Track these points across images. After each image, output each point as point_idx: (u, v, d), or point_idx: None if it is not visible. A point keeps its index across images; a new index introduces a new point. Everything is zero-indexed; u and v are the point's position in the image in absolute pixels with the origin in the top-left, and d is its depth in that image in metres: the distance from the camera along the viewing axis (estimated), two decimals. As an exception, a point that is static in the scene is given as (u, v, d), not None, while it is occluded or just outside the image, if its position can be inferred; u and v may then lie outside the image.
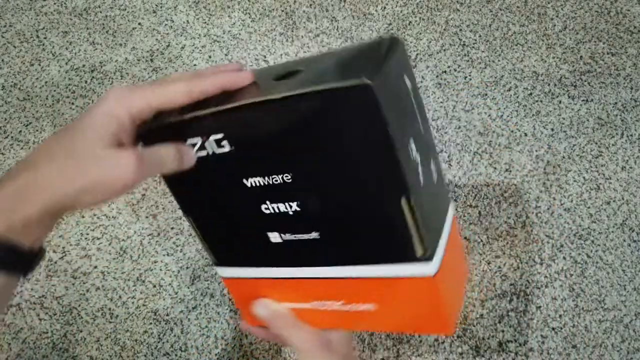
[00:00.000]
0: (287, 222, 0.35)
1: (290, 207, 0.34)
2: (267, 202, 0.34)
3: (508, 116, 0.60)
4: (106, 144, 0.30)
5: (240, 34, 0.66)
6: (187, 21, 0.66)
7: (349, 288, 0.36)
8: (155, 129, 0.33)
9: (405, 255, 0.33)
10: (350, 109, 0.28)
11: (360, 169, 0.31)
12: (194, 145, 0.33)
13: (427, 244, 0.32)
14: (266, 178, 0.33)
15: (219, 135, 0.32)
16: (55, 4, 0.66)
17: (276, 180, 0.33)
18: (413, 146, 0.31)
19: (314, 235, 0.35)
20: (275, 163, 0.32)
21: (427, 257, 0.33)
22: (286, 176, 0.32)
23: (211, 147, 0.33)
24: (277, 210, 0.34)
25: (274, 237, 0.36)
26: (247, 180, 0.34)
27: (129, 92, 0.32)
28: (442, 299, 0.34)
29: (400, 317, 0.37)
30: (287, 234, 0.35)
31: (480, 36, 0.63)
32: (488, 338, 0.55)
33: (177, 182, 0.36)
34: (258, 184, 0.34)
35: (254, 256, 0.38)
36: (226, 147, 0.32)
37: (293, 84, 0.31)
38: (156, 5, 0.66)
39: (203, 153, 0.33)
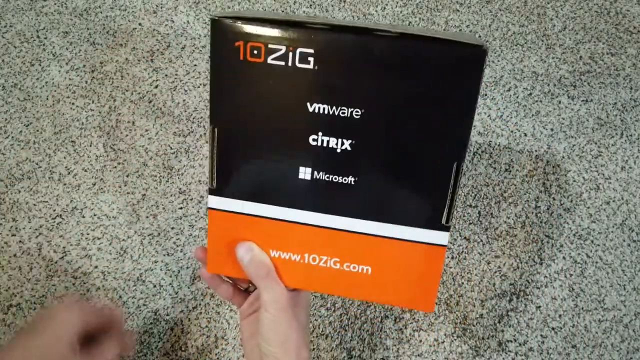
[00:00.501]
0: (329, 160, 0.34)
1: (343, 144, 0.33)
2: (320, 134, 0.34)
3: (508, 116, 0.60)
4: (64, 356, 0.39)
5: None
6: (188, 21, 0.66)
7: (353, 245, 0.36)
8: (239, 23, 0.32)
9: (432, 220, 0.34)
10: (457, 66, 0.30)
11: (433, 125, 0.32)
12: (273, 50, 0.32)
13: (451, 215, 0.34)
14: (334, 108, 0.33)
15: (308, 50, 0.32)
16: (55, 4, 0.66)
17: (343, 113, 0.33)
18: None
19: (350, 179, 0.34)
20: (353, 95, 0.32)
21: (447, 227, 0.34)
22: (356, 111, 0.32)
23: (294, 59, 0.32)
24: (325, 144, 0.34)
25: (305, 173, 0.35)
26: (311, 104, 0.33)
27: (77, 311, 0.42)
28: (441, 271, 0.36)
29: (391, 287, 0.37)
30: (321, 173, 0.35)
31: (479, 36, 0.63)
32: (488, 338, 0.55)
33: (224, 85, 0.34)
34: (321, 112, 0.33)
35: (268, 190, 0.36)
36: (309, 65, 0.32)
37: (398, 28, 0.32)
38: (156, 6, 0.66)
39: (280, 62, 0.32)
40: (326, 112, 0.33)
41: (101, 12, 0.66)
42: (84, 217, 0.59)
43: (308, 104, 0.33)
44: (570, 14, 0.63)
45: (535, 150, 0.59)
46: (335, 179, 0.35)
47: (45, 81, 0.64)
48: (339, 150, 0.34)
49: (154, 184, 0.60)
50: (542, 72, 0.61)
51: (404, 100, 0.32)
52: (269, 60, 0.32)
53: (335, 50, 0.32)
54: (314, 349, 0.55)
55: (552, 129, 0.60)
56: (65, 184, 0.60)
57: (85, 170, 0.61)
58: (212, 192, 0.37)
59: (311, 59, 0.32)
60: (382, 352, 0.55)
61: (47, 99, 0.63)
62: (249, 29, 0.32)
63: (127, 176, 0.61)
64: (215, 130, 0.35)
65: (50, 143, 0.62)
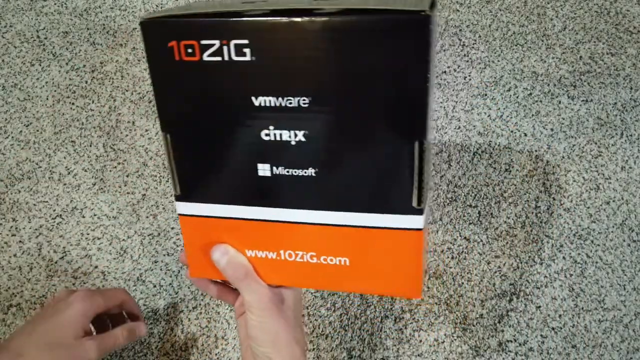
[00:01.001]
0: (286, 153, 0.32)
1: (296, 136, 0.32)
2: (271, 127, 0.32)
3: (508, 116, 0.60)
4: (77, 335, 0.43)
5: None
6: (188, 21, 0.66)
7: (326, 237, 0.34)
8: (168, 23, 0.31)
9: (402, 204, 0.32)
10: (400, 36, 0.28)
11: (385, 104, 0.30)
12: (207, 46, 0.30)
13: (423, 197, 0.32)
14: (280, 99, 0.31)
15: (243, 42, 0.30)
16: (55, 4, 0.66)
17: (290, 103, 0.31)
18: (432, 95, 0.31)
19: (310, 171, 0.33)
20: (297, 83, 0.30)
21: (420, 210, 0.32)
22: (303, 100, 0.30)
23: (229, 52, 0.30)
24: (278, 138, 0.32)
25: (264, 169, 0.33)
26: (256, 98, 0.31)
27: (89, 298, 0.45)
28: (422, 256, 0.34)
29: (373, 276, 0.35)
30: (280, 168, 0.33)
31: (480, 36, 0.63)
32: (488, 338, 0.55)
33: (166, 90, 0.33)
34: (267, 105, 0.31)
35: (231, 191, 0.35)
36: (246, 57, 0.30)
37: (338, 3, 0.29)
38: (156, 6, 0.66)
39: (216, 58, 0.30)
40: (272, 104, 0.31)
41: (101, 12, 0.66)
42: (84, 217, 0.60)
43: (253, 99, 0.31)
44: (570, 14, 0.63)
45: (535, 150, 0.59)
46: (295, 172, 0.33)
47: (45, 81, 0.64)
48: (293, 143, 0.32)
49: (154, 184, 0.60)
50: (542, 72, 0.61)
51: (351, 81, 0.29)
52: (205, 58, 0.30)
53: (272, 37, 0.29)
54: (313, 349, 0.55)
55: (552, 129, 0.60)
56: (65, 184, 0.60)
57: (85, 170, 0.61)
58: (178, 198, 0.36)
59: (247, 50, 0.30)
60: (382, 352, 0.55)
61: (47, 99, 0.63)
62: (179, 26, 0.30)
63: (127, 176, 0.61)
64: (168, 136, 0.34)
65: (50, 143, 0.62)
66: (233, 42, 0.30)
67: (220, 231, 0.37)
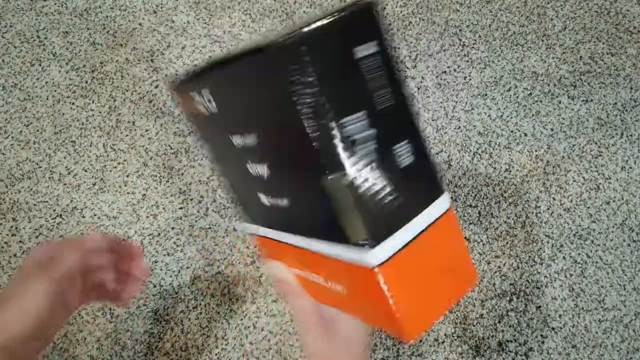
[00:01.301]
0: (265, 184, 0.34)
1: (264, 169, 0.33)
2: (250, 162, 0.34)
3: (508, 116, 0.60)
4: (51, 289, 0.37)
5: (240, 34, 0.66)
6: (188, 21, 0.66)
7: (321, 263, 0.34)
8: (176, 80, 0.35)
9: (343, 237, 0.29)
10: (282, 68, 0.26)
11: (295, 139, 0.28)
12: (195, 98, 0.34)
13: (371, 230, 0.28)
14: (243, 137, 0.33)
15: (207, 92, 0.33)
16: (55, 4, 0.66)
17: (249, 140, 0.32)
18: (362, 120, 0.28)
19: (285, 201, 0.33)
20: (246, 121, 0.32)
21: (368, 245, 0.28)
22: (255, 135, 0.31)
23: (205, 103, 0.33)
24: (257, 172, 0.34)
25: (262, 198, 0.35)
26: (232, 138, 0.34)
27: (43, 253, 0.39)
28: (390, 297, 0.29)
29: (364, 307, 0.33)
30: (269, 197, 0.35)
31: (480, 36, 0.63)
32: (488, 338, 0.55)
33: (198, 138, 0.39)
34: (239, 143, 0.33)
35: (257, 215, 0.38)
36: (212, 103, 0.33)
37: (275, 35, 0.30)
38: (156, 6, 0.66)
39: (202, 107, 0.34)
40: (241, 142, 0.33)
41: (101, 12, 0.66)
42: (84, 217, 0.59)
43: (231, 139, 0.34)
44: (570, 14, 0.63)
45: (535, 150, 0.59)
46: (277, 201, 0.34)
47: (46, 81, 0.64)
48: (266, 176, 0.33)
49: (154, 184, 0.60)
50: (542, 72, 0.61)
51: (270, 117, 0.29)
52: (201, 109, 0.34)
53: (220, 84, 0.32)
54: (314, 349, 0.55)
55: (552, 129, 0.60)
56: (65, 184, 0.60)
57: (86, 170, 0.61)
58: (240, 220, 0.40)
59: (211, 97, 0.33)
60: (382, 352, 0.55)
61: (47, 99, 0.63)
62: (180, 81, 0.34)
63: (127, 176, 0.61)
64: (215, 171, 0.38)
65: (50, 143, 0.62)
66: (203, 92, 0.33)
67: (273, 249, 0.39)
